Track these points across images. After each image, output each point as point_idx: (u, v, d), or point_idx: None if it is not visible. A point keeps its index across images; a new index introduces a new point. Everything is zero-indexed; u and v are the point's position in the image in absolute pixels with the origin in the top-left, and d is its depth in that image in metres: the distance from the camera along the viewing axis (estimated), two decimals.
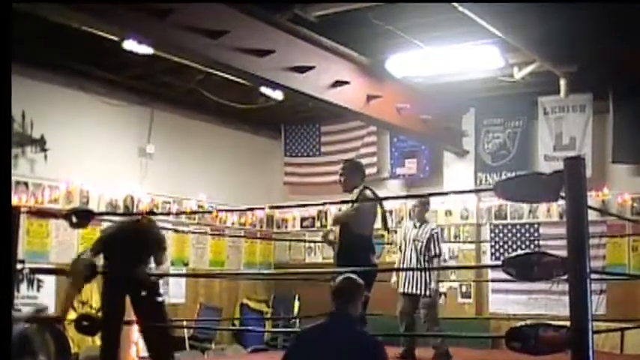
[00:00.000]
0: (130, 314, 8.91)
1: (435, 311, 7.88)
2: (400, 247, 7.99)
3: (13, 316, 5.74)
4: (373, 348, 3.94)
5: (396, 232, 11.16)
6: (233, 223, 11.59)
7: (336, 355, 3.84)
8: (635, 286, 9.37)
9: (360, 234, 6.44)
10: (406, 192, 11.10)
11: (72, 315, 8.51)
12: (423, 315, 7.73)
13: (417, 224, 7.92)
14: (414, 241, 7.80)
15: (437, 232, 7.95)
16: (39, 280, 8.59)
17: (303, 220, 12.14)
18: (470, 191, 10.86)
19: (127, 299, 6.17)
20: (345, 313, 4.00)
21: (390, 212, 11.02)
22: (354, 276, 4.19)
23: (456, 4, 6.56)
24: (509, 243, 10.53)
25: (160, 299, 6.22)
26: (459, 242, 10.63)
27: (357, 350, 3.85)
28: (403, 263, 7.84)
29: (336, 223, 6.79)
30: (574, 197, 3.08)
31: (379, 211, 6.68)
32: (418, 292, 7.68)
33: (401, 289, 7.78)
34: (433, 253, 7.80)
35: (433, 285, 7.70)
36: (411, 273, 7.70)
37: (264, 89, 8.55)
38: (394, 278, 7.96)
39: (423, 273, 7.66)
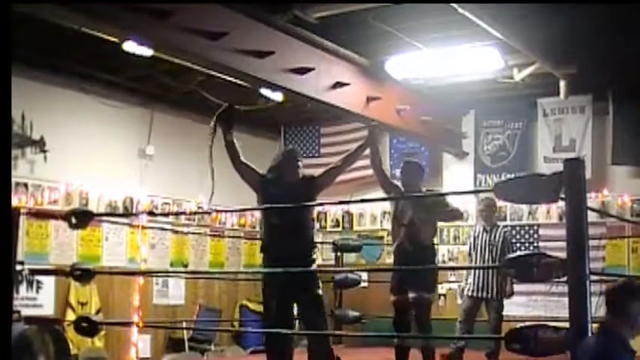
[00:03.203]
0: (130, 315, 8.90)
1: (502, 315, 7.83)
2: (470, 252, 7.94)
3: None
4: None
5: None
6: (232, 225, 11.59)
7: None
8: None
9: (433, 241, 6.46)
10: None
11: (71, 316, 8.56)
12: (492, 319, 7.70)
13: (488, 228, 7.84)
14: (489, 245, 7.74)
15: (508, 235, 8.01)
16: (38, 282, 8.59)
17: None
18: (469, 192, 10.86)
19: None
20: (610, 327, 3.34)
21: (390, 214, 11.02)
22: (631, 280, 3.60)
23: (455, 6, 6.57)
24: None
25: None
26: (458, 244, 10.63)
27: None
28: (477, 269, 7.80)
29: (454, 219, 6.84)
30: (574, 199, 3.08)
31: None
32: (488, 295, 7.66)
33: (470, 292, 7.73)
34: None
35: (509, 287, 7.69)
36: (482, 276, 7.67)
37: (264, 91, 8.55)
38: (463, 283, 7.97)
39: (496, 276, 7.62)
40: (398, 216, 6.48)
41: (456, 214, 6.76)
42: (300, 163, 5.68)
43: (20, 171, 8.64)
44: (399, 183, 6.61)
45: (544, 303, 9.88)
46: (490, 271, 7.61)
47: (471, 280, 7.78)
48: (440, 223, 7.04)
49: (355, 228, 11.66)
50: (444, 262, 10.65)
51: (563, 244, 3.09)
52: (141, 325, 8.65)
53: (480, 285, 7.67)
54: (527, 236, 10.46)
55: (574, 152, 9.92)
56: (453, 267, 10.64)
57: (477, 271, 7.70)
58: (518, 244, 10.34)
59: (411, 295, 6.25)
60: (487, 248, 7.76)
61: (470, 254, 7.98)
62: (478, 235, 7.88)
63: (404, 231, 6.34)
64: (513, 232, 10.54)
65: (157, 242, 10.38)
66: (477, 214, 8.21)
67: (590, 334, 3.10)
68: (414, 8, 7.35)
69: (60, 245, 9.10)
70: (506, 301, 7.88)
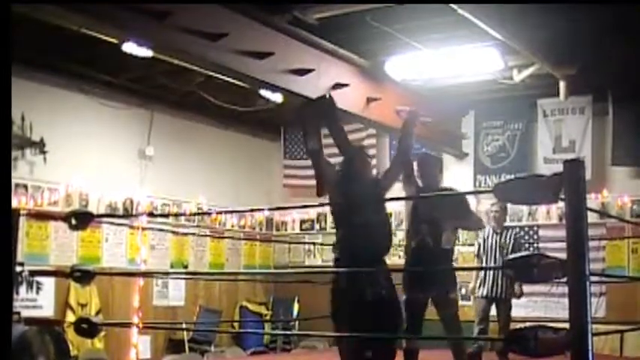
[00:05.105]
0: (130, 316, 8.89)
1: (511, 315, 7.84)
2: (479, 253, 7.95)
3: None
4: None
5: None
6: (232, 226, 11.59)
7: None
8: (635, 288, 9.37)
9: (454, 246, 6.20)
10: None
11: (71, 317, 8.56)
12: (504, 317, 7.71)
13: (498, 230, 7.86)
14: (500, 247, 7.76)
15: (519, 237, 8.05)
16: (38, 283, 8.59)
17: (302, 222, 12.14)
18: (469, 193, 10.85)
19: None
20: None
21: (390, 214, 11.01)
22: None
23: (455, 7, 6.57)
24: None
25: None
26: (458, 245, 10.61)
27: None
28: (487, 270, 7.81)
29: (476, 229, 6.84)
30: (573, 199, 3.07)
31: None
32: (501, 295, 7.68)
33: (482, 293, 7.75)
34: None
35: (517, 288, 7.70)
36: (495, 277, 7.67)
37: (263, 92, 8.55)
38: (472, 284, 7.99)
39: (507, 277, 7.58)
40: (417, 212, 6.04)
41: (480, 225, 6.62)
42: (371, 161, 5.45)
43: (20, 172, 8.64)
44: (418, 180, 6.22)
45: (544, 304, 9.89)
46: (501, 271, 7.61)
47: (483, 280, 7.79)
48: None
49: None
50: None
51: (563, 244, 3.08)
52: (141, 326, 8.66)
53: (493, 285, 7.69)
54: (527, 237, 10.45)
55: (574, 153, 9.92)
56: (462, 267, 10.61)
57: (489, 272, 7.70)
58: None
59: (435, 294, 5.93)
60: (497, 250, 7.78)
61: (479, 255, 7.97)
62: (488, 237, 7.88)
63: (426, 228, 5.90)
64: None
65: (156, 243, 10.38)
66: (488, 217, 8.20)
67: (590, 335, 3.10)
68: (413, 9, 7.36)
69: (60, 246, 9.10)
70: None
